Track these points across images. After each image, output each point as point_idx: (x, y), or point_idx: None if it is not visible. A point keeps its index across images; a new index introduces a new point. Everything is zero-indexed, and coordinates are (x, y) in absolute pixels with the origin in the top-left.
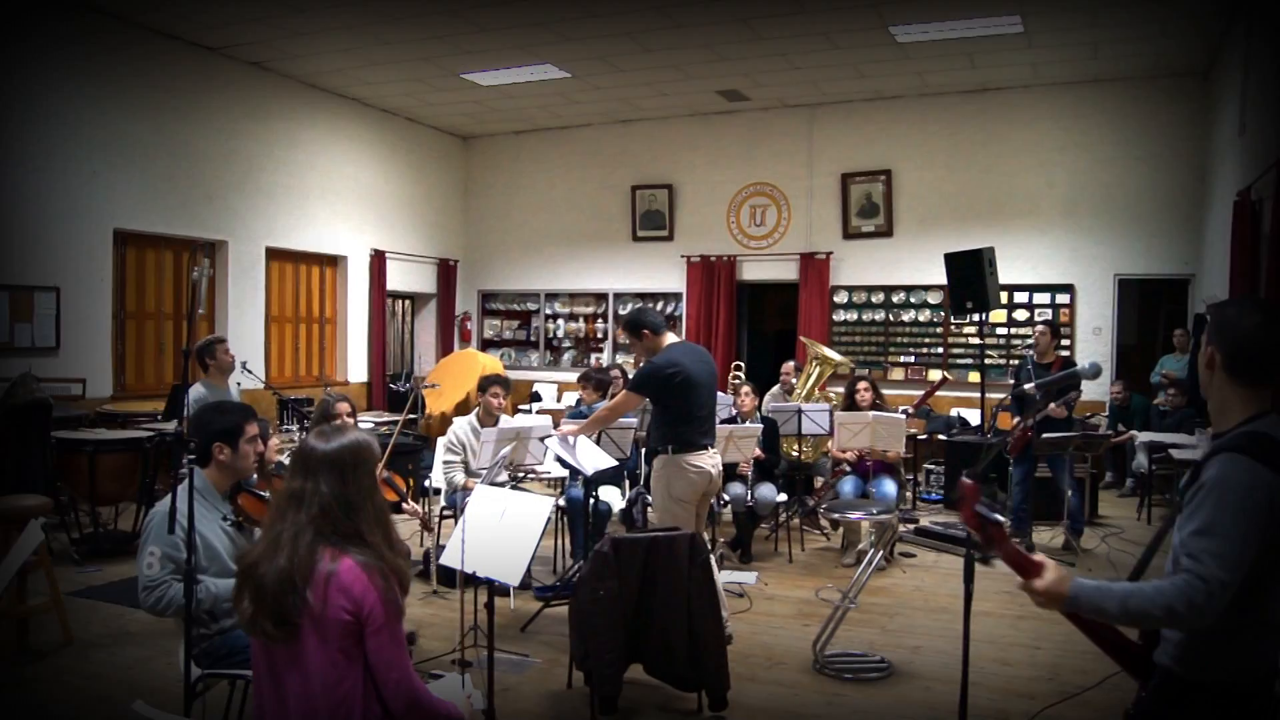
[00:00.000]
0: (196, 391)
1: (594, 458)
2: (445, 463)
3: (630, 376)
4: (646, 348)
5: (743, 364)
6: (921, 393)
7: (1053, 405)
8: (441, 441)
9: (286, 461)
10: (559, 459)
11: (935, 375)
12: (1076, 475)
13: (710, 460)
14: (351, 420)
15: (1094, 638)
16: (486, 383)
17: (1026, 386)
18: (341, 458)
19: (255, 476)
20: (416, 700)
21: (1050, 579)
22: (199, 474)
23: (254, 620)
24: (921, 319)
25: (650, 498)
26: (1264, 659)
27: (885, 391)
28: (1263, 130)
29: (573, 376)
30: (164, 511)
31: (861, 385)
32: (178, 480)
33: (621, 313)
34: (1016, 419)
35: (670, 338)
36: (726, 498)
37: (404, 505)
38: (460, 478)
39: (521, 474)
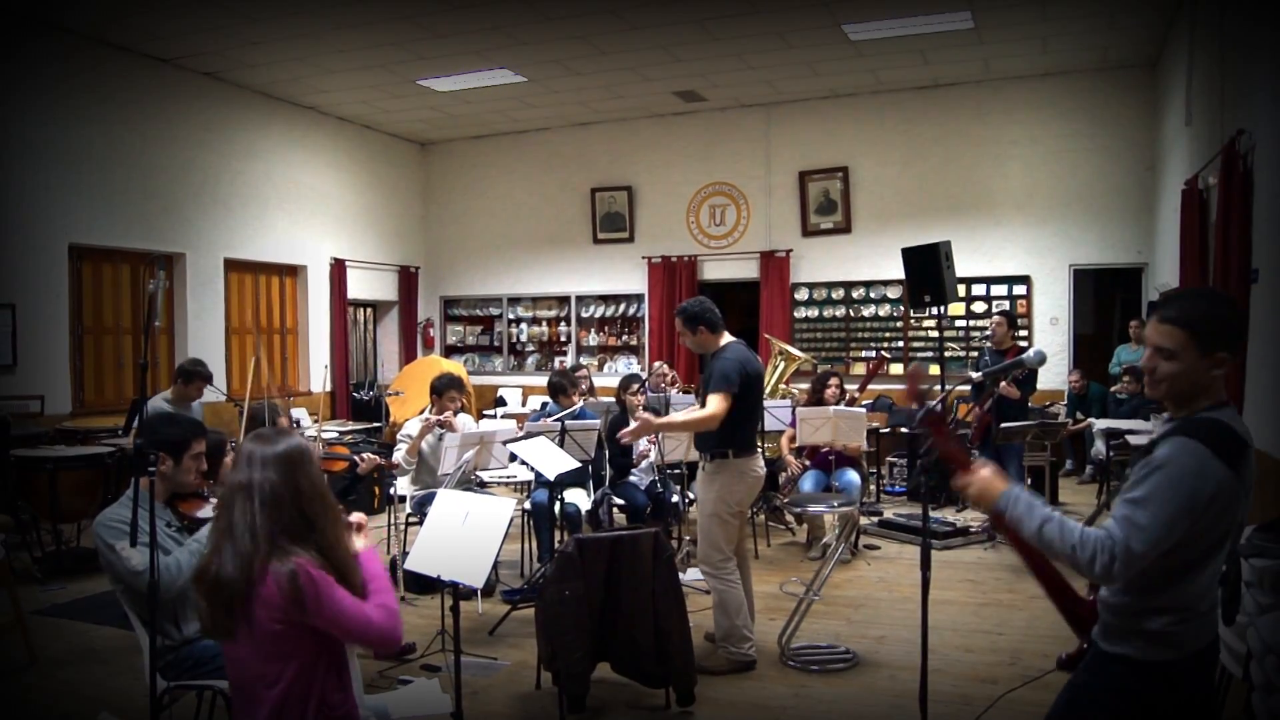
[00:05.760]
0: (155, 404)
1: (556, 461)
2: (397, 449)
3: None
4: (699, 342)
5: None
6: (875, 385)
7: (1003, 384)
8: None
9: None
10: (523, 462)
11: (897, 369)
12: (1033, 464)
13: (762, 462)
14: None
15: (1043, 581)
16: (442, 386)
17: (974, 375)
18: (289, 455)
19: (206, 492)
20: (389, 634)
21: (984, 476)
22: (140, 484)
23: (212, 617)
24: (881, 314)
25: (696, 504)
26: (1183, 641)
27: (847, 386)
28: (1208, 120)
29: (537, 380)
30: (113, 517)
31: (832, 382)
32: (136, 491)
33: (584, 315)
34: (973, 407)
35: (726, 337)
36: (692, 495)
37: (358, 460)
38: (401, 453)
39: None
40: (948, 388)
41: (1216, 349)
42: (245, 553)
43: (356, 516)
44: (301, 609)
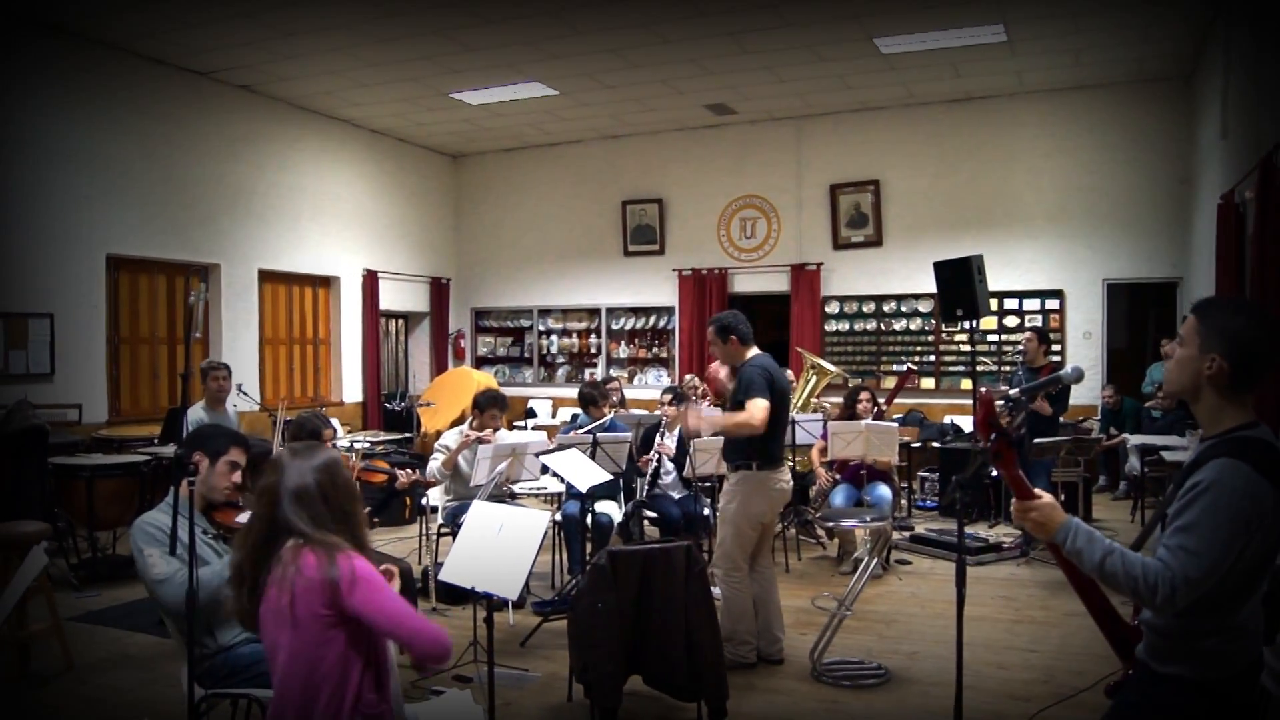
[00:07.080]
0: (195, 413)
1: (588, 473)
2: (432, 459)
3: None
4: (729, 353)
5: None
6: (908, 399)
7: (1037, 400)
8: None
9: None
10: (555, 474)
11: (928, 383)
12: (1066, 479)
13: (788, 475)
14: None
15: (1090, 606)
16: (485, 402)
17: (1011, 393)
18: (326, 462)
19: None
20: (439, 638)
21: (1046, 504)
22: (179, 491)
23: (238, 601)
24: (913, 327)
25: (718, 512)
26: (1234, 659)
27: (878, 400)
28: (1244, 133)
29: (567, 392)
30: (149, 521)
31: (864, 396)
32: (177, 499)
33: (614, 327)
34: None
35: (753, 350)
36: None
37: (398, 475)
38: (436, 464)
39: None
40: (1019, 415)
41: (1212, 349)
42: (246, 552)
43: (386, 568)
44: (336, 588)
